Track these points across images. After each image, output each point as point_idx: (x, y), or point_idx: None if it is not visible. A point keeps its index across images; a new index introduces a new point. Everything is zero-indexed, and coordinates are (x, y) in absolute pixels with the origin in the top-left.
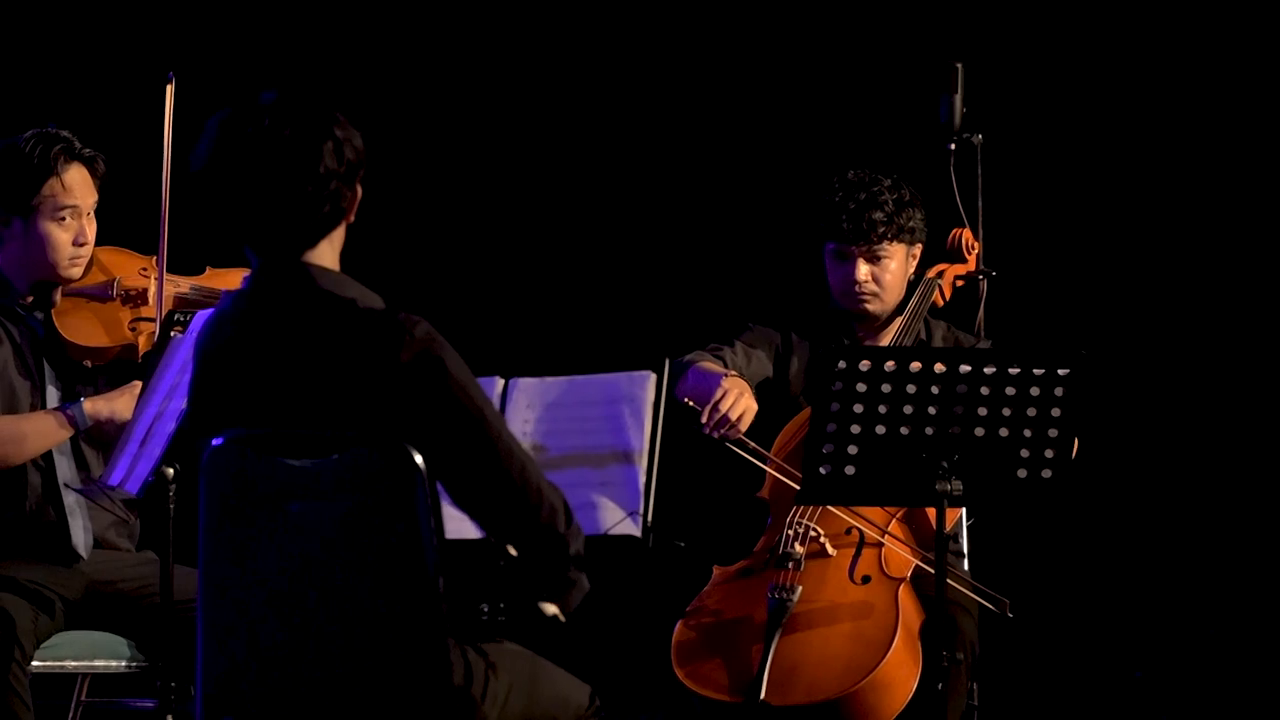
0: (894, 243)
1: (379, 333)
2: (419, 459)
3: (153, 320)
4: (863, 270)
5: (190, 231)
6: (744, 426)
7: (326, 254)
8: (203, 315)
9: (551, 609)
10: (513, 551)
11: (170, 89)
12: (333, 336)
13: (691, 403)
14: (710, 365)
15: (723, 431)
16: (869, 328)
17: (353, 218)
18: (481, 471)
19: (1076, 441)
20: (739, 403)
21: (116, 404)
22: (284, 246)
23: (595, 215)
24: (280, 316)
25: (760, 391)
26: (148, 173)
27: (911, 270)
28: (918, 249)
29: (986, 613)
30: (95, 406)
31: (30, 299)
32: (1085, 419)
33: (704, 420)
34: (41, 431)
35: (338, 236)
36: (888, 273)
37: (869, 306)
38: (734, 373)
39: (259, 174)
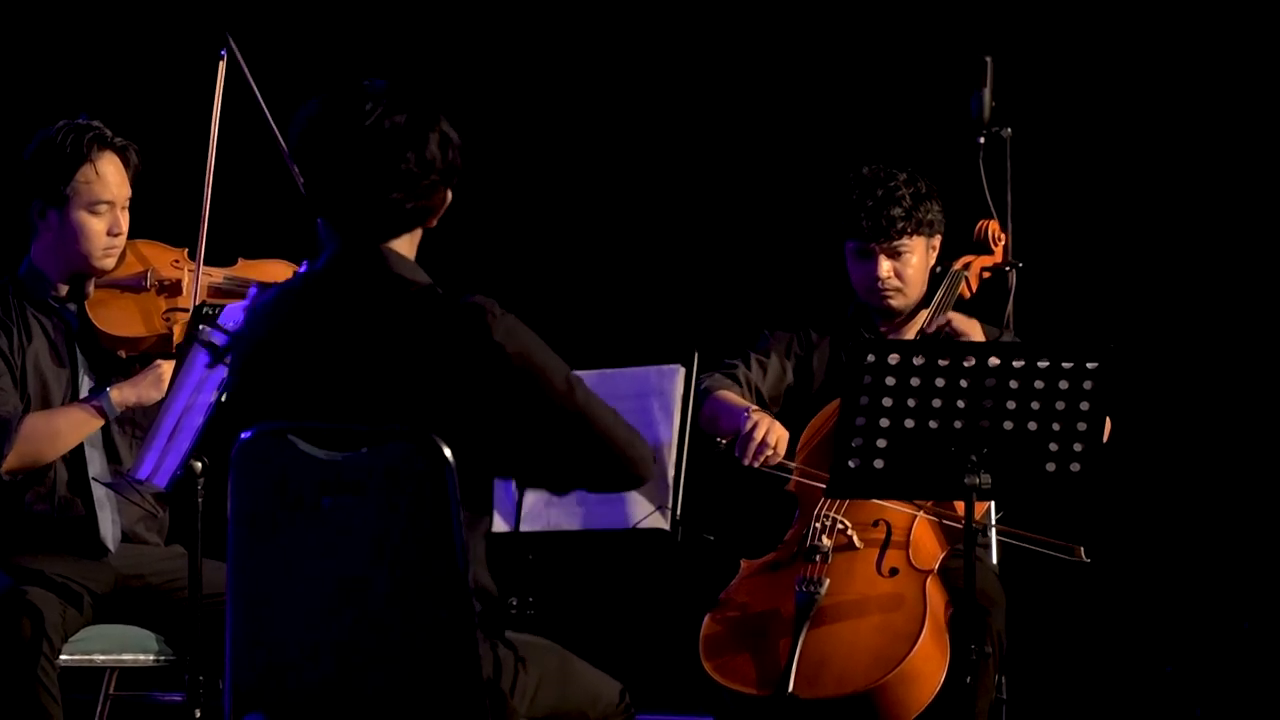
0: (914, 237)
1: (458, 317)
2: (448, 453)
3: (187, 310)
4: (884, 267)
5: (222, 223)
6: (782, 451)
7: (405, 249)
8: (232, 308)
9: None
10: None
11: (222, 65)
12: (409, 322)
13: (724, 441)
14: (728, 396)
15: (763, 459)
16: (893, 322)
17: (435, 223)
18: (573, 443)
19: (1110, 424)
20: (772, 430)
21: (141, 388)
22: (369, 228)
23: (623, 208)
24: (356, 300)
25: (786, 395)
26: (181, 167)
27: (932, 261)
28: (937, 240)
29: (1014, 606)
30: (122, 394)
31: (64, 291)
32: (1116, 407)
33: (744, 457)
34: (73, 425)
35: (417, 237)
36: (909, 267)
37: (892, 302)
38: (755, 407)
39: (368, 148)
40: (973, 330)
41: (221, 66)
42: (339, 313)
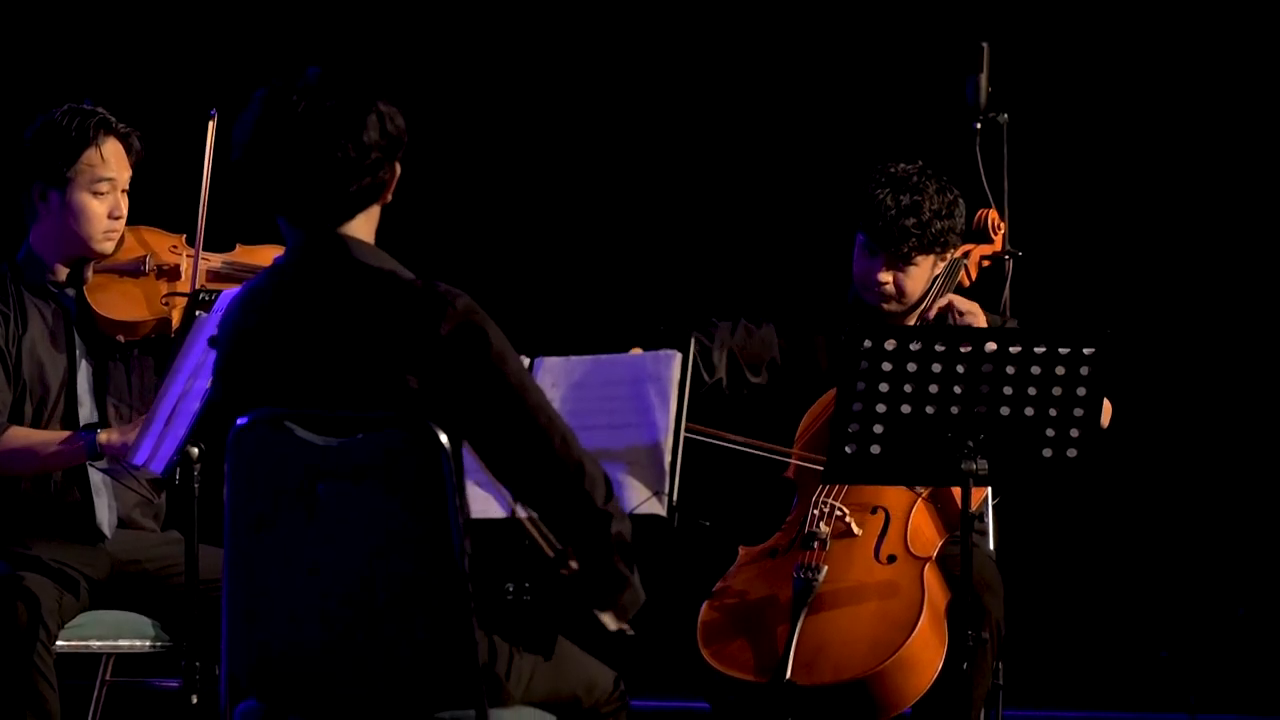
0: (924, 254)
1: (420, 304)
2: (444, 439)
3: (186, 295)
4: (885, 274)
5: (219, 208)
6: None
7: (363, 230)
8: (228, 294)
9: (610, 621)
10: (572, 565)
11: (212, 125)
12: (371, 307)
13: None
14: None
15: None
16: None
17: (389, 197)
18: (520, 444)
19: (1110, 409)
20: None
21: (130, 436)
22: (322, 218)
23: (620, 196)
24: (317, 289)
25: (772, 372)
26: (179, 152)
27: (938, 271)
28: (948, 254)
29: (1012, 592)
30: (109, 437)
31: (62, 276)
32: (1114, 391)
33: None
34: (49, 454)
35: (374, 215)
36: (910, 278)
37: (884, 306)
38: None
39: (303, 141)
40: (974, 311)
41: (211, 126)
42: (306, 305)
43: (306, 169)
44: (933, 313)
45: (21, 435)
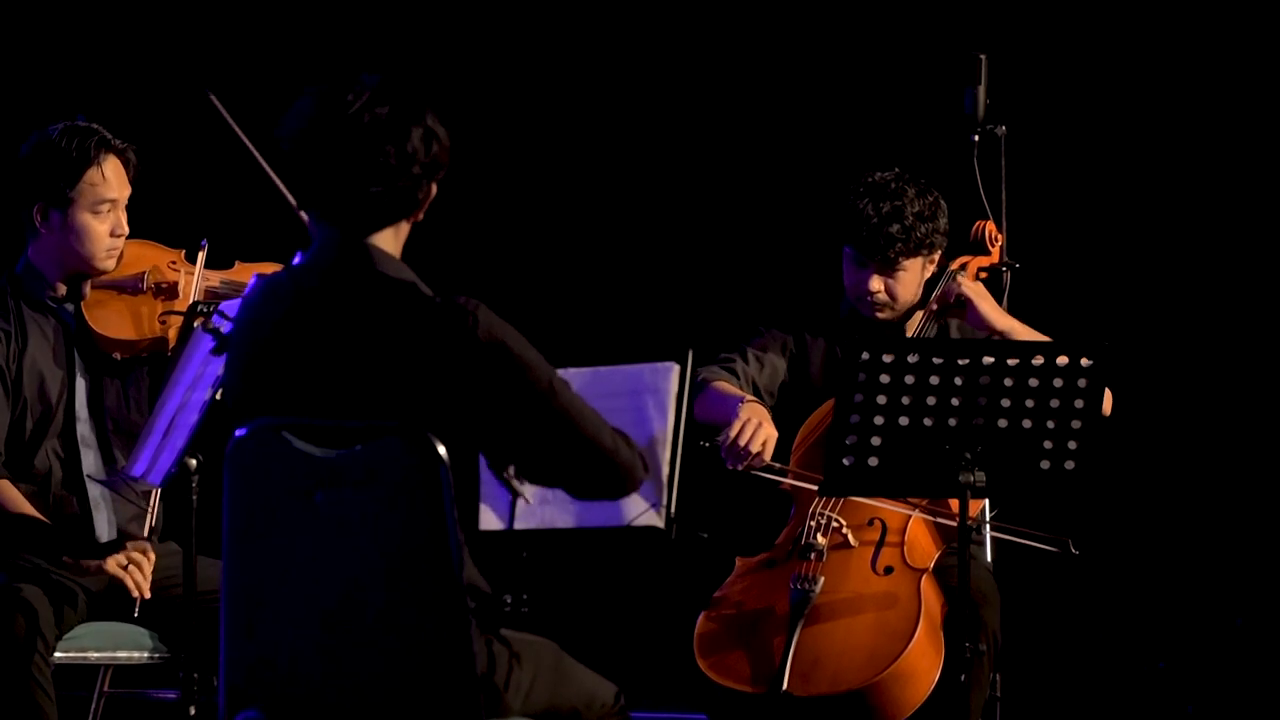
0: (911, 257)
1: (442, 317)
2: (442, 450)
3: (182, 314)
4: (875, 282)
5: (220, 225)
6: (768, 456)
7: (390, 243)
8: (227, 305)
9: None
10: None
11: (202, 255)
12: (393, 321)
13: (706, 444)
14: (726, 387)
15: (745, 464)
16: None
17: (422, 216)
18: (558, 443)
19: (1111, 397)
20: (758, 434)
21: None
22: (352, 221)
23: (617, 206)
24: (338, 299)
25: (780, 391)
26: (179, 169)
27: (929, 274)
28: (937, 255)
29: (1008, 603)
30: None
31: (62, 292)
32: (1116, 382)
33: (728, 461)
34: (16, 531)
35: (403, 231)
36: (900, 284)
37: (880, 315)
38: (751, 398)
39: (348, 139)
40: (980, 296)
41: (201, 255)
42: (325, 311)
43: (346, 168)
44: (939, 293)
45: (10, 493)
